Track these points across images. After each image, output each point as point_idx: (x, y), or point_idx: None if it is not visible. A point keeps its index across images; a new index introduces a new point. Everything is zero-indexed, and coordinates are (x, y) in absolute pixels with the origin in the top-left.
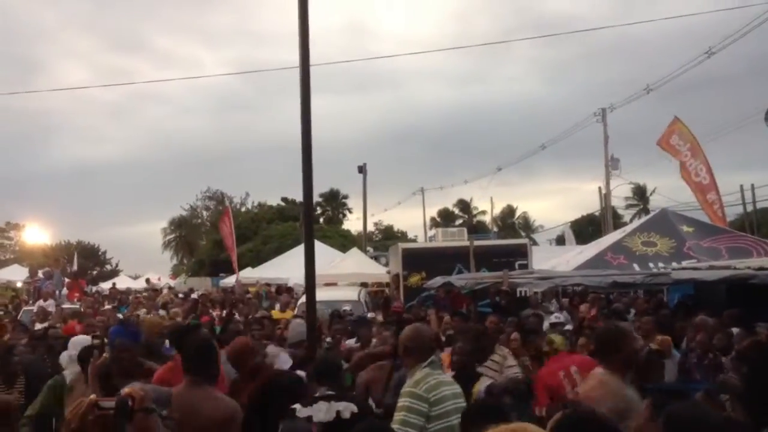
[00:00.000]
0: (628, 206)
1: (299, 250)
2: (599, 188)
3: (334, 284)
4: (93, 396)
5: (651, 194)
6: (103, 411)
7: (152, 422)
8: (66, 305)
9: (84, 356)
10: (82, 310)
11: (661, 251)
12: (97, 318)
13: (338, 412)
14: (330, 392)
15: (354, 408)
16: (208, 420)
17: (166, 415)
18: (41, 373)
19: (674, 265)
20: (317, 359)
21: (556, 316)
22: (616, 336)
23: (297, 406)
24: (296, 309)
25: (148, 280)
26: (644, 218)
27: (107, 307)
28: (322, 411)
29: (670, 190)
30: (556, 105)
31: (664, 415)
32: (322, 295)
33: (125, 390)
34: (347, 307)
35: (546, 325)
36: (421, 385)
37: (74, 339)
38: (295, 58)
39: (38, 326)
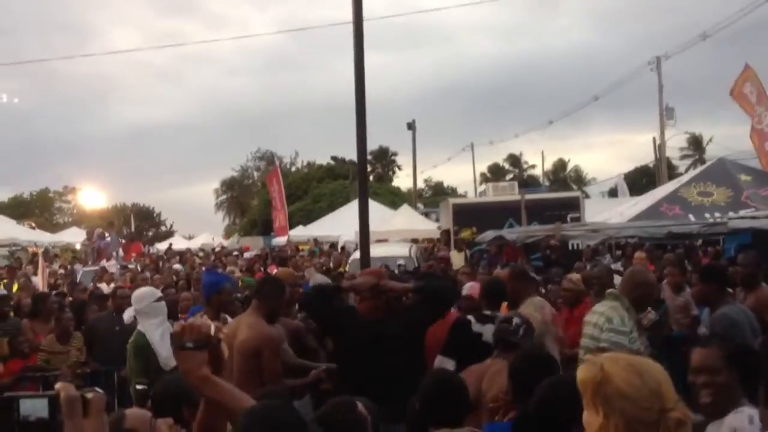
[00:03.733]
0: (683, 157)
1: (350, 208)
2: (653, 139)
3: (385, 241)
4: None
5: (707, 144)
6: (186, 349)
7: (221, 351)
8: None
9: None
10: (139, 269)
11: (718, 201)
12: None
13: None
14: (497, 314)
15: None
16: (238, 345)
17: None
18: (108, 331)
19: (731, 214)
20: (486, 282)
21: (615, 266)
22: None
23: (472, 319)
24: (348, 266)
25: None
26: (700, 168)
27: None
28: (488, 332)
29: (727, 139)
30: (608, 55)
31: None
32: (374, 251)
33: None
34: (401, 262)
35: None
36: None
37: (137, 292)
38: (343, 14)
39: (102, 286)
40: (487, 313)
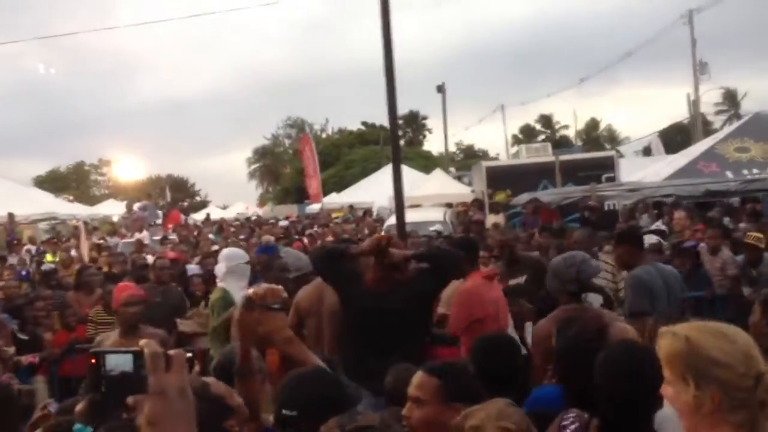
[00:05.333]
0: (719, 112)
1: (382, 174)
2: (687, 95)
3: (419, 206)
4: (250, 290)
5: (742, 98)
6: (272, 310)
7: (269, 317)
8: (156, 237)
9: None
10: (177, 239)
11: (756, 157)
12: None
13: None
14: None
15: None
16: (329, 307)
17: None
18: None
19: None
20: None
21: (657, 225)
22: None
23: None
24: (383, 231)
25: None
26: (737, 123)
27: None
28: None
29: (763, 93)
30: (641, 11)
31: None
32: (408, 216)
33: (251, 290)
34: (437, 227)
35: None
36: None
37: (229, 251)
38: None
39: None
40: None
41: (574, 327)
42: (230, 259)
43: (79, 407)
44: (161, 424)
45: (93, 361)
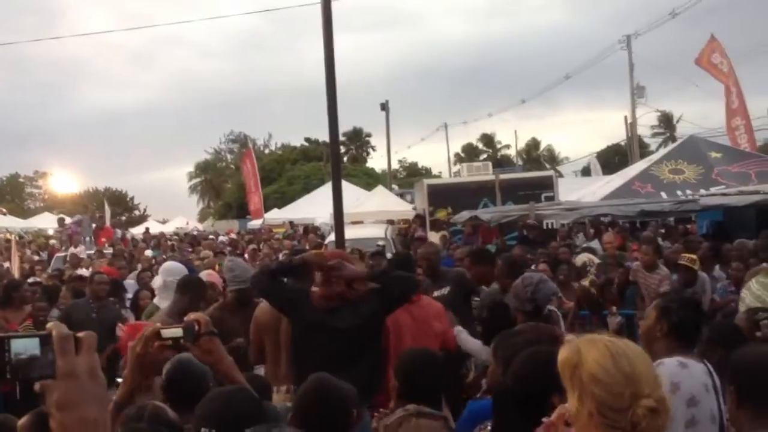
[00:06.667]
0: (655, 134)
1: (324, 190)
2: (625, 117)
3: (360, 222)
4: (158, 324)
5: (677, 121)
6: (163, 341)
7: (216, 344)
8: (92, 251)
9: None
10: (113, 252)
11: (689, 178)
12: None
13: None
14: None
15: None
16: (287, 324)
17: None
18: (85, 318)
19: (702, 191)
20: (506, 260)
21: (589, 244)
22: None
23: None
24: (325, 249)
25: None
26: (671, 146)
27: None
28: None
29: (697, 117)
30: (581, 34)
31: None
32: (349, 233)
33: (191, 316)
34: (380, 243)
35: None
36: None
37: (167, 264)
38: None
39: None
40: None
41: (524, 334)
42: (169, 273)
43: (22, 421)
44: (72, 408)
45: None
